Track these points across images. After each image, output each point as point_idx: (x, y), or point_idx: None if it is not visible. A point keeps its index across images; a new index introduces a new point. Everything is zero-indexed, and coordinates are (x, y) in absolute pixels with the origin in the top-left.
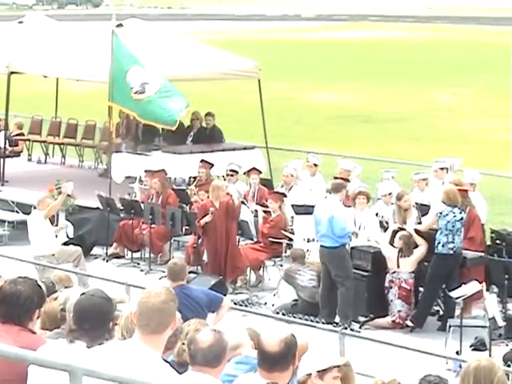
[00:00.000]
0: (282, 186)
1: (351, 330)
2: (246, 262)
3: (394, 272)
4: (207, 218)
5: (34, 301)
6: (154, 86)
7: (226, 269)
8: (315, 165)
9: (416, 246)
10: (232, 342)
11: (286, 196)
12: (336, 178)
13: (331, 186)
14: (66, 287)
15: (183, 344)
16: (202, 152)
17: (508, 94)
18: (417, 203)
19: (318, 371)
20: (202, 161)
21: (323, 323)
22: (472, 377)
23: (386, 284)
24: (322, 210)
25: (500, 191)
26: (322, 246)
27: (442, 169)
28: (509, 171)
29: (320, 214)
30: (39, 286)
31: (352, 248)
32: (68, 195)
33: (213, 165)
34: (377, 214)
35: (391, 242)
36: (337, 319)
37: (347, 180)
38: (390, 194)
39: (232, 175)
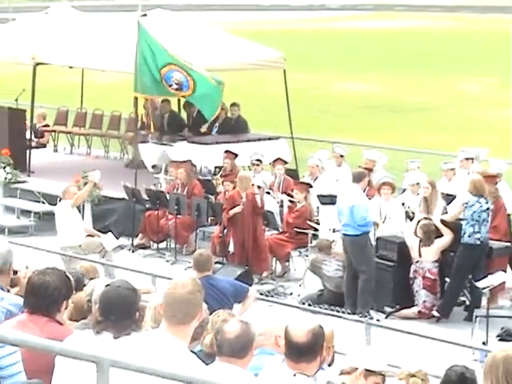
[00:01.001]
0: (308, 176)
1: (370, 318)
2: (270, 254)
3: (418, 262)
4: (237, 209)
5: (62, 292)
6: (189, 87)
7: (253, 260)
8: (341, 156)
9: (439, 236)
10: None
11: (311, 186)
12: (360, 167)
13: (352, 175)
14: (91, 278)
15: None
16: (228, 142)
17: None
18: (443, 193)
19: (367, 370)
20: (226, 151)
21: (349, 313)
22: (501, 367)
23: (411, 274)
24: (344, 199)
25: None
26: (344, 234)
27: (467, 159)
28: None
29: (342, 203)
30: (67, 276)
31: (378, 238)
32: (95, 184)
33: (237, 155)
34: (403, 204)
35: (416, 232)
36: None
37: (371, 170)
38: (417, 183)
39: (258, 165)
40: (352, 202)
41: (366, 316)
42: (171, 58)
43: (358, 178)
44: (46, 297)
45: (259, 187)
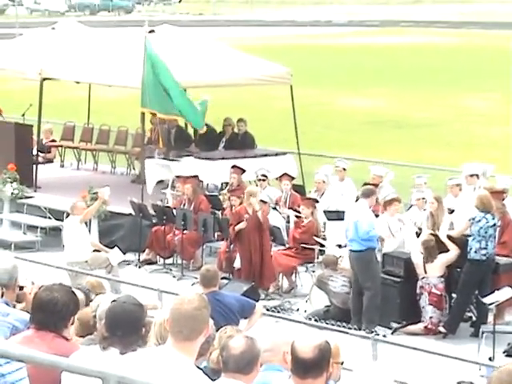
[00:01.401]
0: (315, 191)
1: (376, 334)
2: (276, 270)
3: (424, 277)
4: (242, 225)
5: (70, 308)
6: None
7: (260, 275)
8: (344, 169)
9: (445, 251)
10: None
11: (318, 202)
12: (366, 183)
13: (361, 191)
14: (97, 294)
15: None
16: (234, 158)
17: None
18: (449, 209)
19: None
20: (233, 166)
21: (355, 329)
22: None
23: (418, 290)
24: (350, 214)
25: None
26: (350, 250)
27: (471, 175)
28: None
29: (348, 219)
30: (74, 293)
31: (384, 254)
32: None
33: (244, 170)
34: (410, 220)
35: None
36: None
37: (377, 186)
38: (423, 198)
39: (264, 180)
40: (356, 217)
41: (372, 332)
42: (168, 81)
43: (366, 194)
44: (54, 313)
45: (264, 202)
